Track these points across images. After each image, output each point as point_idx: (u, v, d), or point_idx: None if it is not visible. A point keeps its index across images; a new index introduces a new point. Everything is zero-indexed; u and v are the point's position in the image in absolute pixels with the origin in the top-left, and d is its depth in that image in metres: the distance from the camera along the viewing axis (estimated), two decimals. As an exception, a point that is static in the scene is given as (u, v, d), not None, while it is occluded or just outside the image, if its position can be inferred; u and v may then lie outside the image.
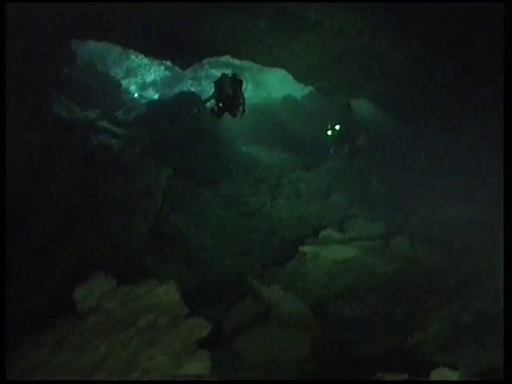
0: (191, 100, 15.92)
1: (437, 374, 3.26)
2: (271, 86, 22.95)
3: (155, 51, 14.51)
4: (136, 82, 26.37)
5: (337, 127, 13.96)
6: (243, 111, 9.67)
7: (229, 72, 10.03)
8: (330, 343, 5.47)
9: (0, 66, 6.34)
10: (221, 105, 9.74)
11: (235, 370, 4.83)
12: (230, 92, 9.42)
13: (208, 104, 10.85)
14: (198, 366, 3.45)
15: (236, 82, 9.49)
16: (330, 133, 14.12)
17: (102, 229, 6.94)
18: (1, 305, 4.03)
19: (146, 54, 16.03)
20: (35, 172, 7.98)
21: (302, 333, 5.34)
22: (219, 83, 9.57)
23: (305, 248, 7.42)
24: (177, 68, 18.45)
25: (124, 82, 24.40)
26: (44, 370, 3.59)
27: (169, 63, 20.41)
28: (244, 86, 9.69)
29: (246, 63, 17.98)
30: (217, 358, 4.92)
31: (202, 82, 26.16)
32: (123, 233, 7.14)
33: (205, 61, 17.89)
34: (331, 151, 14.19)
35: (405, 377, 3.33)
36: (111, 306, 4.18)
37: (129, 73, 26.19)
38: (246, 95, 9.81)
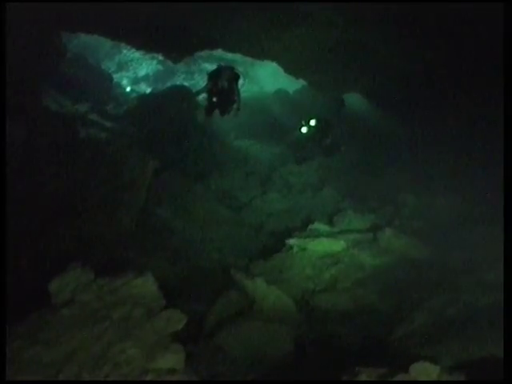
0: (182, 93, 15.82)
1: (416, 368, 3.17)
2: (263, 80, 22.85)
3: (146, 44, 14.38)
4: (128, 76, 26.21)
5: (312, 123, 13.23)
6: (238, 109, 9.05)
7: (225, 64, 9.43)
8: (314, 337, 5.38)
9: (0, 66, 6.22)
10: (214, 99, 9.08)
11: (216, 364, 4.73)
12: (225, 86, 8.78)
13: (201, 97, 10.38)
14: (171, 360, 3.34)
15: (233, 75, 8.88)
16: (304, 130, 13.30)
17: (85, 222, 6.84)
18: (1, 304, 3.95)
19: (138, 47, 15.89)
20: (19, 166, 7.88)
21: (285, 327, 5.24)
22: (214, 75, 8.94)
23: (291, 241, 7.32)
24: (169, 62, 18.34)
25: (116, 76, 24.27)
26: (13, 364, 3.47)
27: (161, 57, 20.30)
28: (241, 81, 9.07)
29: (238, 57, 17.88)
30: (198, 353, 4.84)
31: (195, 76, 26.03)
32: (107, 226, 7.03)
33: (197, 55, 17.79)
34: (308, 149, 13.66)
35: (383, 371, 3.23)
36: (86, 298, 4.07)
37: (121, 67, 26.03)
38: (241, 91, 9.19)
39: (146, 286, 4.13)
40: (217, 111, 9.37)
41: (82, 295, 4.10)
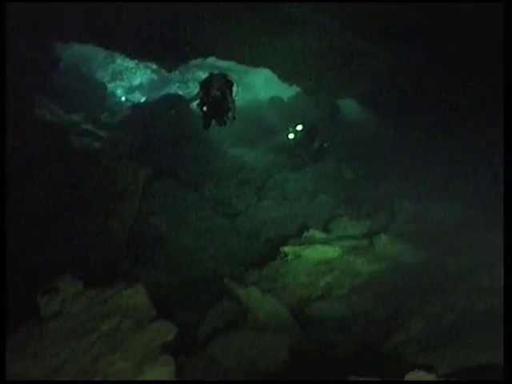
0: (176, 102, 15.80)
1: (412, 377, 3.09)
2: (257, 87, 22.87)
3: (140, 54, 14.37)
4: (122, 86, 26.23)
5: (299, 128, 13.17)
6: (233, 118, 8.67)
7: (217, 72, 9.16)
8: (309, 346, 5.30)
9: (0, 67, 6.16)
10: (205, 109, 8.63)
11: (209, 375, 4.64)
12: (217, 95, 8.38)
13: (194, 105, 10.21)
14: (160, 372, 3.25)
15: (226, 83, 8.48)
16: (291, 136, 13.26)
17: (77, 231, 6.75)
18: (1, 303, 3.93)
19: (131, 56, 15.88)
20: (12, 175, 7.80)
21: (280, 336, 5.15)
22: (206, 84, 8.52)
23: (286, 248, 7.24)
24: (163, 71, 18.32)
25: (110, 86, 24.28)
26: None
27: (155, 66, 20.29)
28: (235, 88, 8.79)
29: (232, 65, 17.87)
30: (191, 363, 4.75)
31: (189, 84, 26.02)
32: (99, 235, 6.94)
33: (191, 63, 17.76)
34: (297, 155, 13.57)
35: (379, 380, 3.16)
36: (75, 310, 3.99)
37: (115, 76, 26.05)
38: (236, 99, 8.86)
39: (137, 296, 4.05)
40: (213, 121, 9.10)
41: (71, 307, 4.02)
